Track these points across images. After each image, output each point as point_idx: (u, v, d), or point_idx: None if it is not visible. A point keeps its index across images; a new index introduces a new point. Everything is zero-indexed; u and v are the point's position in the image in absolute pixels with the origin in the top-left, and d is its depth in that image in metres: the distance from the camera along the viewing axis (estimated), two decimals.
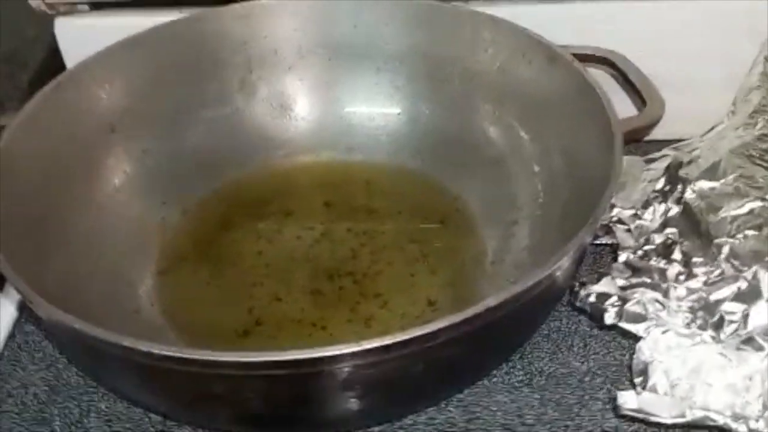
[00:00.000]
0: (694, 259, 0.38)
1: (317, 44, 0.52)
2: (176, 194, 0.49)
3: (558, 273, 0.34)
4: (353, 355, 0.29)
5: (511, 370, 0.41)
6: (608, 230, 0.42)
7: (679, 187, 0.41)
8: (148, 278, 0.46)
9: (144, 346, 0.30)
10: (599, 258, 0.44)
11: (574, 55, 0.43)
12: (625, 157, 0.39)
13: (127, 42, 0.48)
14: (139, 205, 0.48)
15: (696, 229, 0.39)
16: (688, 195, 0.40)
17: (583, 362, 0.41)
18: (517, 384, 0.40)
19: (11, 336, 0.45)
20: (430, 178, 0.51)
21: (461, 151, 0.50)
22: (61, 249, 0.42)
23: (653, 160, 0.46)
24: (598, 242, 0.43)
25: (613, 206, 0.43)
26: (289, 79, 0.53)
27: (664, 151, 0.47)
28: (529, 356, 0.41)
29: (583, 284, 0.39)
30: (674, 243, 0.39)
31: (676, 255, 0.39)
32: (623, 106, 0.42)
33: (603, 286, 0.38)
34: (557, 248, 0.40)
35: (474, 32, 0.49)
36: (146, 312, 0.44)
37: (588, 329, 0.42)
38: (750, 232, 0.38)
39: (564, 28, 0.45)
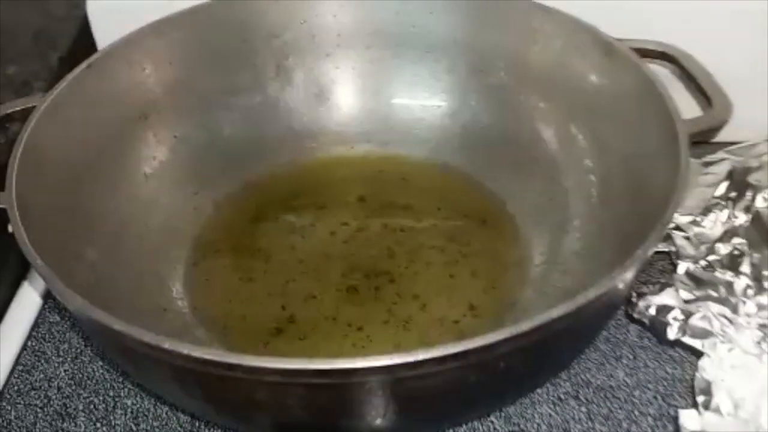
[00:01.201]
0: (765, 272, 0.35)
1: (356, 31, 0.50)
2: (209, 184, 0.48)
3: (621, 285, 0.32)
4: (404, 366, 0.27)
5: (557, 381, 0.39)
6: (666, 237, 0.40)
7: (749, 194, 0.39)
8: (179, 270, 0.44)
9: (182, 348, 0.28)
10: (654, 266, 0.42)
11: (633, 49, 0.41)
12: None
13: (159, 24, 0.46)
14: (170, 194, 0.46)
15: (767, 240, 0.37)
16: (760, 203, 0.38)
17: (632, 375, 0.39)
18: (562, 396, 0.38)
19: (35, 326, 0.44)
20: (471, 176, 0.49)
21: (506, 148, 0.48)
22: (90, 238, 0.40)
23: (710, 164, 0.43)
24: (657, 249, 0.41)
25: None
26: (326, 66, 0.51)
27: (721, 154, 0.44)
28: (576, 367, 0.39)
29: (641, 295, 0.37)
30: (742, 254, 0.37)
31: (745, 267, 0.36)
32: (684, 107, 0.40)
33: (665, 297, 0.36)
34: (612, 256, 0.38)
35: (523, 22, 0.47)
36: (176, 306, 0.42)
37: (637, 340, 0.40)
38: None
39: (622, 22, 0.42)
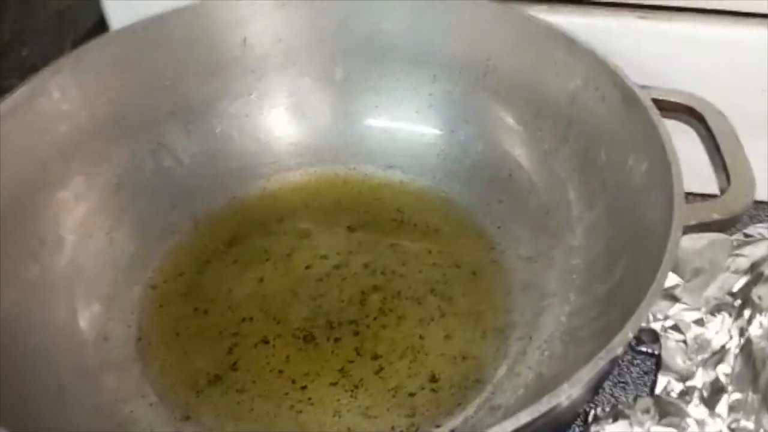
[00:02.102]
0: (742, 423, 0.28)
1: (367, 42, 0.45)
2: (190, 197, 0.44)
3: (566, 403, 0.26)
4: None
5: None
6: (656, 336, 0.33)
7: (747, 312, 0.31)
8: (135, 292, 0.41)
9: None
10: (636, 370, 0.35)
11: (657, 101, 0.34)
12: (707, 236, 0.30)
13: (106, 39, 0.43)
14: (144, 205, 0.43)
15: (753, 379, 0.29)
16: (754, 330, 0.30)
17: None
18: None
19: None
20: (471, 216, 0.43)
21: (513, 191, 0.42)
22: (34, 249, 0.38)
23: (747, 242, 0.35)
24: (640, 349, 0.34)
25: (676, 300, 0.33)
26: (330, 79, 0.46)
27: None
28: None
29: (596, 419, 0.31)
30: (722, 390, 0.30)
31: (721, 408, 0.29)
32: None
33: (618, 429, 0.30)
34: (595, 344, 0.32)
35: (546, 50, 0.40)
36: (119, 333, 0.39)
37: None
38: None
39: (658, 49, 0.35)
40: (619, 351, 0.25)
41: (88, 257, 0.41)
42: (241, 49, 0.44)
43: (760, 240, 0.36)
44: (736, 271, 0.34)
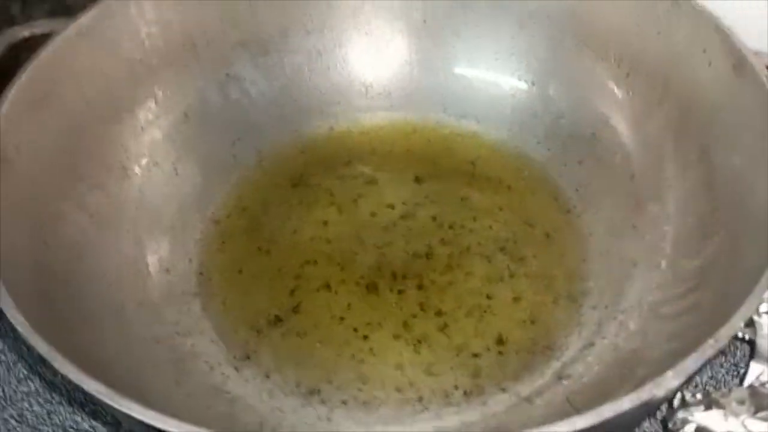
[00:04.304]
0: None
1: None
2: (254, 131, 0.43)
3: (660, 396, 0.24)
4: None
5: None
6: (750, 322, 0.31)
7: None
8: (197, 226, 0.40)
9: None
10: (726, 356, 0.33)
11: None
12: None
13: None
14: (210, 138, 0.42)
15: None
16: None
17: None
18: None
19: None
20: (549, 176, 0.41)
21: (595, 153, 0.40)
22: (95, 181, 0.37)
23: None
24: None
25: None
26: (409, 17, 0.44)
27: None
28: None
29: (685, 404, 0.29)
30: None
31: None
32: None
33: (710, 419, 0.28)
34: (679, 325, 0.31)
35: (647, 5, 0.37)
36: (181, 267, 0.38)
37: None
38: None
39: None
40: (727, 340, 0.23)
41: (152, 188, 0.40)
42: None
43: None
44: None
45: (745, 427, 0.27)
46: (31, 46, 0.37)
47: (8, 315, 0.27)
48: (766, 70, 0.31)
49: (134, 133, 0.39)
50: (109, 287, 0.35)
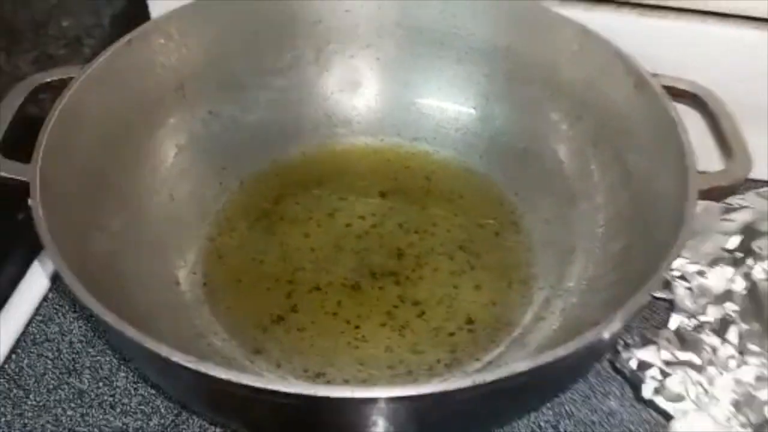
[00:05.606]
0: (750, 346, 0.35)
1: (399, 24, 0.50)
2: (237, 161, 0.49)
3: (605, 337, 0.32)
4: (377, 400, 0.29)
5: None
6: (667, 284, 0.40)
7: (749, 261, 0.38)
8: (196, 244, 0.46)
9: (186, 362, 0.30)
10: (652, 314, 0.42)
11: (666, 87, 0.40)
12: (700, 203, 0.37)
13: (202, 2, 0.47)
14: (198, 168, 0.48)
15: (759, 313, 0.36)
16: (757, 273, 0.37)
17: (621, 406, 0.39)
18: (542, 425, 0.39)
19: (56, 279, 0.46)
20: (493, 184, 0.49)
21: (529, 162, 0.48)
22: (114, 209, 0.42)
23: (732, 209, 0.43)
24: (654, 295, 0.41)
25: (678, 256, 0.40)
26: (365, 56, 0.51)
27: (749, 199, 0.43)
28: (562, 397, 0.40)
29: (627, 345, 0.37)
30: (732, 322, 0.37)
31: (731, 336, 0.36)
32: (709, 152, 0.40)
33: (647, 353, 0.36)
34: (611, 293, 0.38)
35: (563, 40, 0.46)
36: (188, 279, 0.44)
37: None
38: None
39: (667, 47, 0.41)
40: (655, 289, 0.31)
41: (152, 213, 0.45)
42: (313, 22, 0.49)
43: (741, 208, 0.43)
44: (726, 232, 0.41)
45: (675, 356, 0.35)
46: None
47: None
48: (661, 88, 0.40)
49: (140, 168, 0.45)
50: (141, 286, 0.40)
